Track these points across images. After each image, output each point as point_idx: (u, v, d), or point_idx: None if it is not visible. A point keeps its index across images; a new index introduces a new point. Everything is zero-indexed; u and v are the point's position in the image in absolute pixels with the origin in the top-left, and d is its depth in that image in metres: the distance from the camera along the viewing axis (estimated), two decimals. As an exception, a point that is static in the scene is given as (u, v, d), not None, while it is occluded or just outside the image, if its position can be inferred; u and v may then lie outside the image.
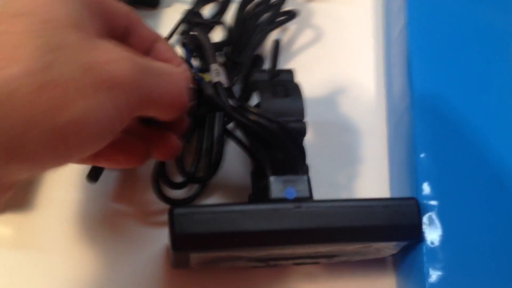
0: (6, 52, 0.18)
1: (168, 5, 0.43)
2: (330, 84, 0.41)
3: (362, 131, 0.39)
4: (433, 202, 0.30)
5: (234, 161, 0.36)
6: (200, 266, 0.30)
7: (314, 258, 0.31)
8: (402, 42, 0.38)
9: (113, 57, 0.21)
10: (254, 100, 0.37)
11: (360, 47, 0.44)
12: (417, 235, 0.29)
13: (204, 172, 0.34)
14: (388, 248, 0.31)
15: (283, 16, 0.40)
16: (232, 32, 0.39)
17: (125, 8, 0.25)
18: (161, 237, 0.33)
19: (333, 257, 0.31)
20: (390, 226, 0.28)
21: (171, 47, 0.28)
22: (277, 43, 0.33)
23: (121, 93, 0.20)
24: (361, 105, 0.40)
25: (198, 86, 0.31)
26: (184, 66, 0.27)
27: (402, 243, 0.30)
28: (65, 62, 0.19)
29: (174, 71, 0.25)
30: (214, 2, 0.41)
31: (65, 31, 0.20)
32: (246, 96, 0.38)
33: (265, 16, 0.39)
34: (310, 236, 0.27)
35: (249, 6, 0.41)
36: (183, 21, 0.38)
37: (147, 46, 0.26)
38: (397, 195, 0.35)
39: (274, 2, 0.40)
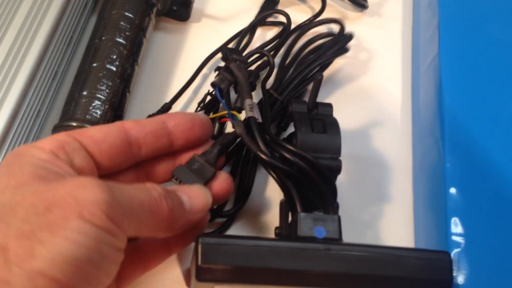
0: None
1: (198, 20, 0.44)
2: (354, 117, 0.41)
3: (386, 164, 0.39)
4: (461, 239, 0.30)
5: (261, 185, 0.36)
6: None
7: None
8: (432, 73, 0.38)
9: (79, 185, 0.21)
10: (291, 128, 0.37)
11: (387, 77, 0.43)
12: (447, 291, 0.28)
13: (232, 206, 0.34)
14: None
15: (338, 52, 0.40)
16: (281, 69, 0.39)
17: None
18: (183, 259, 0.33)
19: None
20: (421, 279, 0.27)
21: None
22: (320, 77, 0.32)
23: (93, 217, 0.20)
24: (386, 138, 0.40)
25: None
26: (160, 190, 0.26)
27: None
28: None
29: (145, 186, 0.24)
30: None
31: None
32: (284, 125, 0.37)
33: (318, 59, 0.39)
34: (338, 281, 0.26)
35: (306, 50, 0.41)
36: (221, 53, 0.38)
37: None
38: (422, 231, 0.34)
39: (334, 49, 0.40)
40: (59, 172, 0.23)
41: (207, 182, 0.29)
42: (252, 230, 0.35)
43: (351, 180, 0.38)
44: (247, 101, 0.32)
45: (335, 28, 0.43)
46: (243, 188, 0.35)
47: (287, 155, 0.30)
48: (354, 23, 0.46)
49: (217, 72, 0.35)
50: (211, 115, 0.33)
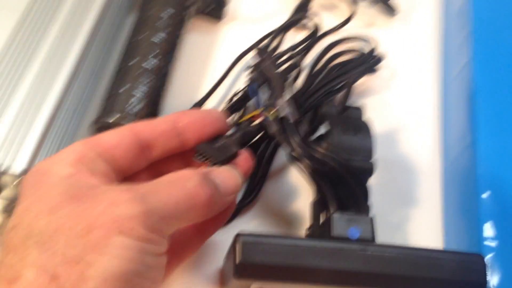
0: None
1: (234, 19, 0.44)
2: (383, 121, 0.41)
3: (415, 168, 0.39)
4: (494, 244, 0.30)
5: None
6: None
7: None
8: (464, 79, 0.38)
9: (112, 203, 0.21)
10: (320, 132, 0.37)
11: (416, 82, 0.44)
12: (482, 294, 0.28)
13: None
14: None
15: (365, 72, 0.40)
16: (309, 75, 0.40)
17: (119, 138, 0.26)
18: (213, 259, 0.33)
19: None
20: (456, 281, 0.27)
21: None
22: (350, 81, 0.33)
23: (132, 231, 0.21)
24: (415, 143, 0.40)
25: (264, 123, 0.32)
26: (197, 172, 0.26)
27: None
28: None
29: (179, 178, 0.24)
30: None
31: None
32: (313, 128, 0.38)
33: (344, 76, 0.40)
34: (373, 280, 0.27)
35: (334, 62, 0.41)
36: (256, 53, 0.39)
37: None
38: (452, 235, 0.35)
39: (362, 69, 0.40)
40: (86, 186, 0.23)
41: (231, 158, 0.29)
42: (260, 228, 0.35)
43: (381, 183, 0.38)
44: (280, 100, 0.33)
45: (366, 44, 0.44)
46: (254, 182, 0.36)
47: (320, 157, 0.31)
48: (384, 28, 0.46)
49: (250, 70, 0.35)
50: (245, 117, 0.33)
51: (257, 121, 0.32)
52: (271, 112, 0.32)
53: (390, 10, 0.46)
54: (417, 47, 0.46)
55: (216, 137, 0.29)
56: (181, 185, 0.24)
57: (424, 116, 0.42)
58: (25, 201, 0.22)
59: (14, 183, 0.29)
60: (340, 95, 0.34)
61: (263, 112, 0.32)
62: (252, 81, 0.33)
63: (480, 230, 0.30)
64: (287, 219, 0.36)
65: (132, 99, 0.33)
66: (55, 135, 0.32)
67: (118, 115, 0.32)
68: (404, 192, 0.38)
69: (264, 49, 0.40)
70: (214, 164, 0.28)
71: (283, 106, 0.32)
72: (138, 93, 0.33)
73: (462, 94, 0.38)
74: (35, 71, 0.31)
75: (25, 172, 0.28)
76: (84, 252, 0.20)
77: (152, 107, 0.34)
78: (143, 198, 0.22)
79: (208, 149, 0.28)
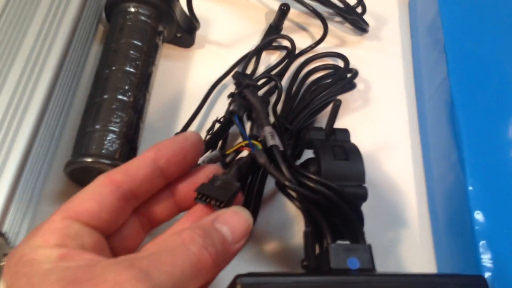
0: None
1: (202, 46, 0.43)
2: (361, 142, 0.40)
3: (399, 188, 0.39)
4: (492, 263, 0.30)
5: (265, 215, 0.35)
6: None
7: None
8: (441, 96, 0.38)
9: (115, 285, 0.19)
10: (304, 156, 0.36)
11: (391, 101, 0.43)
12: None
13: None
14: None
15: (345, 88, 0.40)
16: (290, 96, 0.39)
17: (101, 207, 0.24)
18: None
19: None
20: (462, 306, 0.26)
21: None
22: (338, 103, 0.32)
23: None
24: (396, 163, 0.40)
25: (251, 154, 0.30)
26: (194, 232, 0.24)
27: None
28: None
29: (181, 243, 0.22)
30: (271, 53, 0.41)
31: None
32: (297, 153, 0.37)
33: (327, 86, 0.39)
34: (380, 314, 0.26)
35: (315, 76, 0.41)
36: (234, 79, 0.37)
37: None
38: (445, 255, 0.34)
39: (344, 76, 0.40)
40: (82, 267, 0.21)
41: (236, 194, 0.27)
42: (259, 263, 0.34)
43: (367, 206, 0.37)
44: (267, 129, 0.31)
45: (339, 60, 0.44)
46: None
47: (312, 185, 0.29)
48: (355, 47, 0.46)
49: (230, 99, 0.34)
50: (232, 148, 0.32)
51: (244, 152, 0.30)
52: (258, 142, 0.31)
53: (361, 28, 0.46)
54: (389, 64, 0.46)
55: (213, 177, 0.27)
56: (185, 251, 0.22)
57: (403, 135, 0.42)
58: None
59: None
60: (328, 118, 0.33)
61: (250, 142, 0.30)
62: (238, 110, 0.32)
63: (477, 250, 0.30)
64: (281, 251, 0.34)
65: (109, 136, 0.31)
66: (25, 182, 0.29)
67: (94, 156, 0.30)
68: (392, 214, 0.37)
69: (243, 73, 0.38)
70: (220, 204, 0.26)
71: (269, 135, 0.31)
72: (116, 128, 0.31)
73: (441, 111, 0.38)
74: (1, 112, 0.29)
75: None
76: None
77: (131, 144, 0.32)
78: (147, 275, 0.20)
79: (210, 190, 0.26)
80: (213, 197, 0.26)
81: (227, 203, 0.26)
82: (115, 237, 0.25)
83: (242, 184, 0.33)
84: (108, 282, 0.19)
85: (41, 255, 0.21)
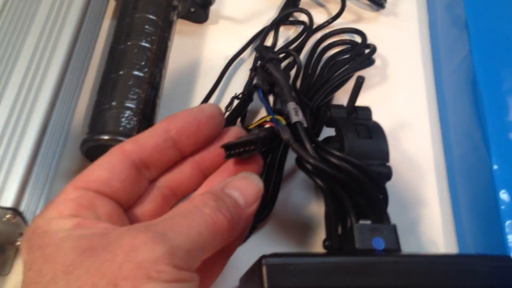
0: None
1: (215, 22, 0.42)
2: (380, 120, 0.40)
3: (419, 167, 0.38)
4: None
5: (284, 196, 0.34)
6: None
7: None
8: (463, 74, 0.37)
9: (131, 249, 0.19)
10: (322, 135, 0.35)
11: (408, 77, 0.42)
12: (515, 298, 0.27)
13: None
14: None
15: (363, 64, 0.39)
16: (308, 72, 0.38)
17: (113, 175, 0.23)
18: (223, 280, 0.31)
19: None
20: (492, 286, 0.26)
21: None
22: (361, 80, 0.31)
23: (161, 274, 0.18)
24: (415, 141, 0.39)
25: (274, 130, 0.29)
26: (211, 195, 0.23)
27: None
28: None
29: (194, 207, 0.22)
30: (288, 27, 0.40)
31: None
32: (316, 131, 0.36)
33: (345, 62, 0.38)
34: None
35: (332, 52, 0.40)
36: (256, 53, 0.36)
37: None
38: (467, 235, 0.34)
39: (362, 51, 0.38)
40: (97, 235, 0.20)
41: (263, 140, 0.26)
42: (279, 243, 0.33)
43: (387, 185, 0.37)
44: (291, 105, 0.30)
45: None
46: (266, 198, 0.34)
47: (337, 162, 0.29)
48: (371, 22, 0.45)
49: (253, 73, 0.33)
50: (255, 123, 0.31)
51: (268, 127, 0.29)
52: (282, 118, 0.30)
53: (378, 3, 0.45)
54: (406, 40, 0.45)
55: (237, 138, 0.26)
56: (199, 213, 0.21)
57: (421, 113, 0.41)
58: (34, 265, 0.19)
59: (4, 218, 0.25)
60: (350, 95, 0.32)
61: (274, 117, 0.29)
62: (262, 83, 0.31)
63: (502, 230, 0.30)
64: (302, 230, 0.34)
65: (126, 114, 0.30)
66: (41, 161, 0.28)
67: (111, 133, 0.29)
68: (412, 193, 0.37)
69: (265, 46, 0.37)
70: (250, 148, 0.26)
71: (293, 111, 0.30)
72: (133, 105, 0.30)
73: (463, 89, 0.37)
74: (15, 90, 0.28)
75: (16, 203, 0.25)
76: None
77: (148, 121, 0.31)
78: (163, 236, 0.19)
79: (236, 142, 0.25)
80: (242, 143, 0.25)
81: (256, 145, 0.25)
82: (136, 211, 0.25)
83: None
84: (124, 247, 0.19)
85: (55, 225, 0.20)
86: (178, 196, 0.26)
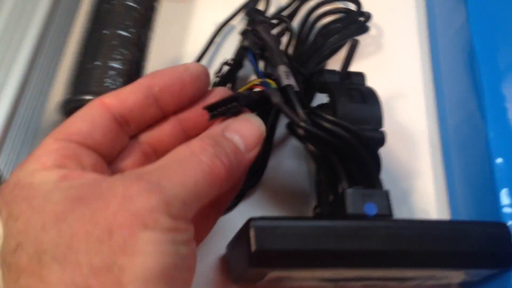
0: None
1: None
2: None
3: (413, 138, 0.37)
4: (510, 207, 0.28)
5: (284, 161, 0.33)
6: (265, 283, 0.27)
7: (386, 281, 0.28)
8: (459, 43, 0.36)
9: (125, 197, 0.18)
10: (316, 101, 0.34)
11: (402, 47, 0.41)
12: (509, 264, 0.26)
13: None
14: (467, 275, 0.28)
15: (358, 30, 0.37)
16: (300, 40, 0.37)
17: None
18: (210, 248, 0.30)
19: (405, 281, 0.29)
20: (484, 252, 0.25)
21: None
22: (355, 43, 0.30)
23: (157, 223, 0.18)
24: (409, 111, 0.38)
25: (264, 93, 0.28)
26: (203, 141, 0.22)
27: (486, 272, 0.27)
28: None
29: (191, 153, 0.21)
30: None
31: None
32: (308, 97, 0.35)
33: (338, 29, 0.37)
34: (401, 259, 0.25)
35: (325, 20, 0.38)
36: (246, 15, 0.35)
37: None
38: (460, 204, 0.33)
39: (356, 19, 0.37)
40: (85, 185, 0.19)
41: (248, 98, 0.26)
42: (269, 210, 0.32)
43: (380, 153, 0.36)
44: (282, 67, 0.29)
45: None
46: (256, 165, 0.32)
47: (330, 126, 0.28)
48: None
49: (243, 36, 0.32)
50: (245, 86, 0.30)
51: (257, 90, 0.28)
52: (272, 81, 0.29)
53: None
54: (400, 8, 0.43)
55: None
56: (196, 161, 0.20)
57: (416, 83, 0.40)
58: (20, 217, 0.18)
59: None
60: (344, 59, 0.31)
61: (264, 80, 0.28)
62: (252, 45, 0.30)
63: (498, 197, 0.29)
64: (292, 198, 0.33)
65: (111, 72, 0.29)
66: (20, 121, 0.27)
67: (94, 93, 0.28)
68: (405, 164, 0.36)
69: (258, 10, 0.36)
70: (235, 109, 0.24)
71: (284, 74, 0.29)
72: (118, 65, 0.29)
73: (459, 59, 0.36)
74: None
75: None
76: (113, 257, 0.17)
77: (133, 81, 0.30)
78: (159, 185, 0.19)
79: (218, 102, 0.24)
80: (223, 101, 0.24)
81: (238, 100, 0.24)
82: (117, 165, 0.24)
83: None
84: (117, 196, 0.18)
85: (40, 177, 0.19)
86: (159, 153, 0.25)
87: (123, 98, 0.23)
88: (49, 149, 0.21)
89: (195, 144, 0.21)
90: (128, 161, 0.24)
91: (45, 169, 0.20)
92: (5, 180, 0.20)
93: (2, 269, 0.19)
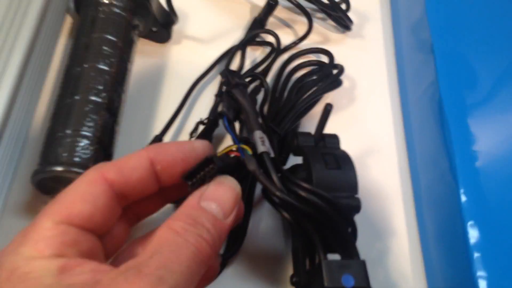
0: None
1: (178, 42, 0.41)
2: (346, 146, 0.40)
3: (386, 196, 0.37)
4: (486, 280, 0.29)
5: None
6: None
7: None
8: (430, 100, 0.37)
9: None
10: (289, 162, 0.34)
11: (374, 102, 0.42)
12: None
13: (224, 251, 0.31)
14: None
15: (332, 85, 0.38)
16: (275, 95, 0.37)
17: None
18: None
19: None
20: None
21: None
22: (329, 107, 0.30)
23: None
24: (381, 168, 0.38)
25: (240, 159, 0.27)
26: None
27: None
28: None
29: (177, 236, 0.21)
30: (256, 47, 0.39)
31: None
32: (282, 159, 0.35)
33: (313, 83, 0.37)
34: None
35: (299, 74, 0.39)
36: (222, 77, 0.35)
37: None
38: (435, 266, 0.33)
39: (330, 72, 0.38)
40: (87, 283, 0.18)
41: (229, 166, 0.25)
42: (248, 279, 0.32)
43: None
44: (257, 133, 0.29)
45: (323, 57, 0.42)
46: (236, 231, 0.32)
47: (306, 195, 0.28)
48: (338, 44, 0.45)
49: (218, 99, 0.32)
50: (221, 152, 0.29)
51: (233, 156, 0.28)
52: (247, 147, 0.28)
53: (345, 25, 0.45)
54: (372, 63, 0.44)
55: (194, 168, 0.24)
56: (185, 245, 0.20)
57: (388, 138, 0.40)
58: None
59: None
60: (318, 123, 0.31)
61: (239, 147, 0.28)
62: (228, 111, 0.29)
63: (471, 264, 0.29)
64: (270, 264, 0.32)
65: (81, 142, 0.28)
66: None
67: (65, 164, 0.27)
68: (379, 223, 0.36)
69: (231, 71, 0.36)
70: (211, 170, 0.24)
71: (260, 141, 0.29)
72: (89, 133, 0.28)
73: (429, 116, 0.37)
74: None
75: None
76: None
77: (105, 150, 0.29)
78: (161, 278, 0.18)
79: (194, 168, 0.24)
80: (199, 166, 0.24)
81: (214, 161, 0.24)
82: (107, 237, 0.23)
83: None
84: None
85: (38, 267, 0.18)
86: (140, 218, 0.25)
87: (127, 175, 0.22)
88: (48, 235, 0.20)
89: (177, 226, 0.21)
90: (116, 231, 0.24)
91: (43, 257, 0.19)
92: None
93: None
